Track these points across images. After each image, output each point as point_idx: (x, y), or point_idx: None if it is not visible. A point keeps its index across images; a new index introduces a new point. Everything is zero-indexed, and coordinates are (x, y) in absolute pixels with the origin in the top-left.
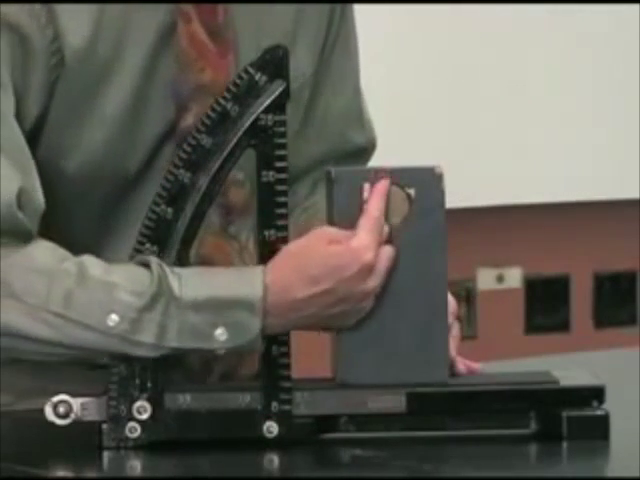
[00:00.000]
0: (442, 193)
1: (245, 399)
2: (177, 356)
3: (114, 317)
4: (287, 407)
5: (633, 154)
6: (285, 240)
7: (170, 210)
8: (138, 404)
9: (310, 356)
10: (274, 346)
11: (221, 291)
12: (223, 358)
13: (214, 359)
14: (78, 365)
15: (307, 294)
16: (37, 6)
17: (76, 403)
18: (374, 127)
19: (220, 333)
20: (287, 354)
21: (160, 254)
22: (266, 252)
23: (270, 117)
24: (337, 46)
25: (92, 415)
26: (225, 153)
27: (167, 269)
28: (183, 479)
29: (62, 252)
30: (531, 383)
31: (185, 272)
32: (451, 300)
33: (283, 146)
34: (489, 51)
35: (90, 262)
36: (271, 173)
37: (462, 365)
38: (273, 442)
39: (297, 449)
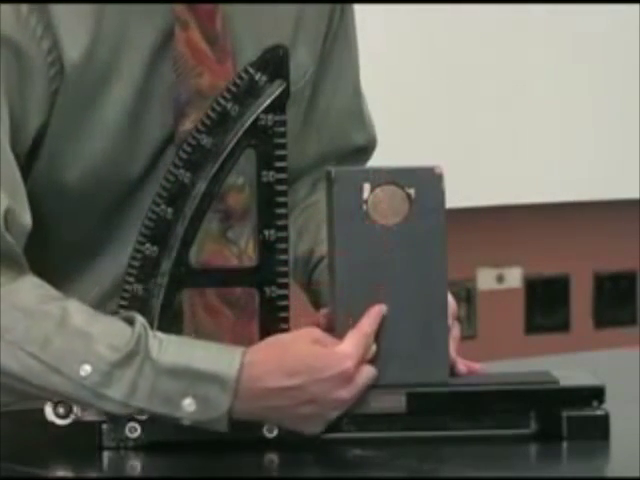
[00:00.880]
0: (442, 193)
1: None
2: None
3: (87, 368)
4: None
5: (633, 154)
6: (285, 240)
7: (170, 210)
8: None
9: None
10: None
11: (198, 363)
12: None
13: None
14: None
15: (279, 385)
16: (33, 19)
17: None
18: (374, 126)
19: (188, 403)
20: None
21: (160, 254)
22: (266, 252)
23: (270, 117)
24: (337, 46)
25: (92, 415)
26: (225, 153)
27: (150, 332)
28: (183, 479)
29: (49, 292)
30: (531, 383)
31: (167, 338)
32: (451, 301)
33: (283, 146)
34: (489, 51)
35: (74, 308)
36: (271, 173)
37: (462, 365)
38: (273, 442)
39: (297, 449)
